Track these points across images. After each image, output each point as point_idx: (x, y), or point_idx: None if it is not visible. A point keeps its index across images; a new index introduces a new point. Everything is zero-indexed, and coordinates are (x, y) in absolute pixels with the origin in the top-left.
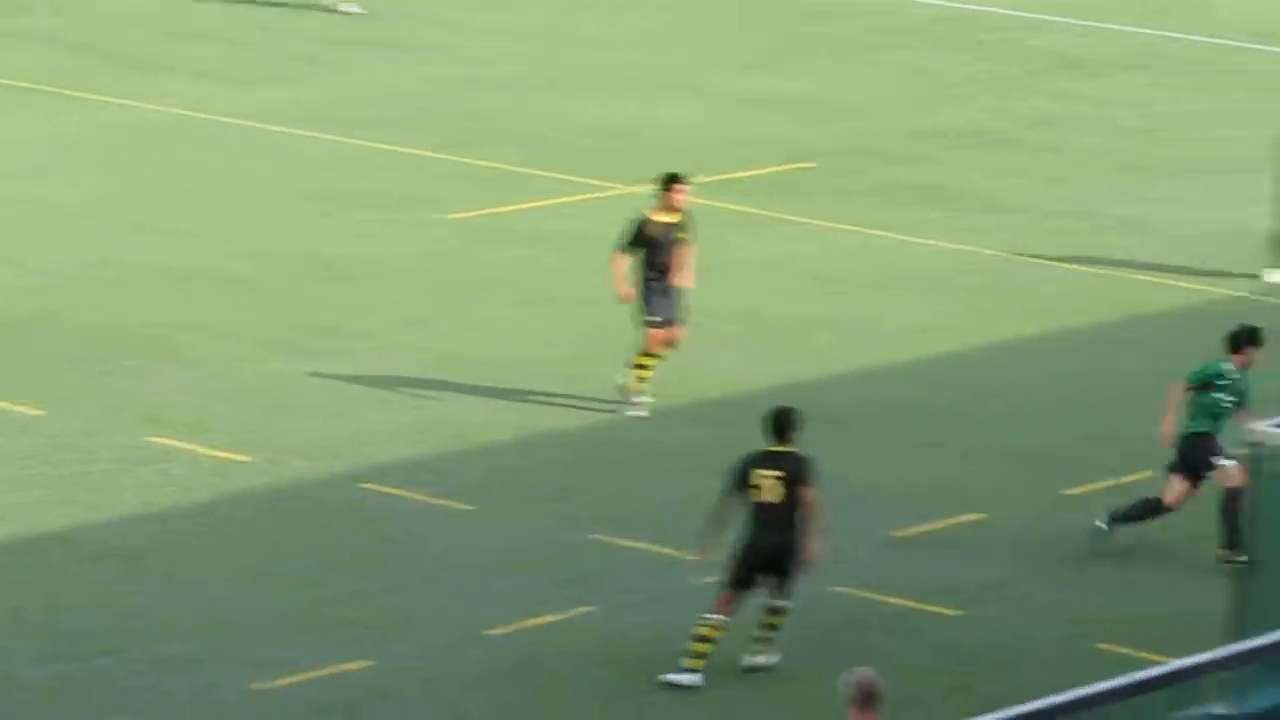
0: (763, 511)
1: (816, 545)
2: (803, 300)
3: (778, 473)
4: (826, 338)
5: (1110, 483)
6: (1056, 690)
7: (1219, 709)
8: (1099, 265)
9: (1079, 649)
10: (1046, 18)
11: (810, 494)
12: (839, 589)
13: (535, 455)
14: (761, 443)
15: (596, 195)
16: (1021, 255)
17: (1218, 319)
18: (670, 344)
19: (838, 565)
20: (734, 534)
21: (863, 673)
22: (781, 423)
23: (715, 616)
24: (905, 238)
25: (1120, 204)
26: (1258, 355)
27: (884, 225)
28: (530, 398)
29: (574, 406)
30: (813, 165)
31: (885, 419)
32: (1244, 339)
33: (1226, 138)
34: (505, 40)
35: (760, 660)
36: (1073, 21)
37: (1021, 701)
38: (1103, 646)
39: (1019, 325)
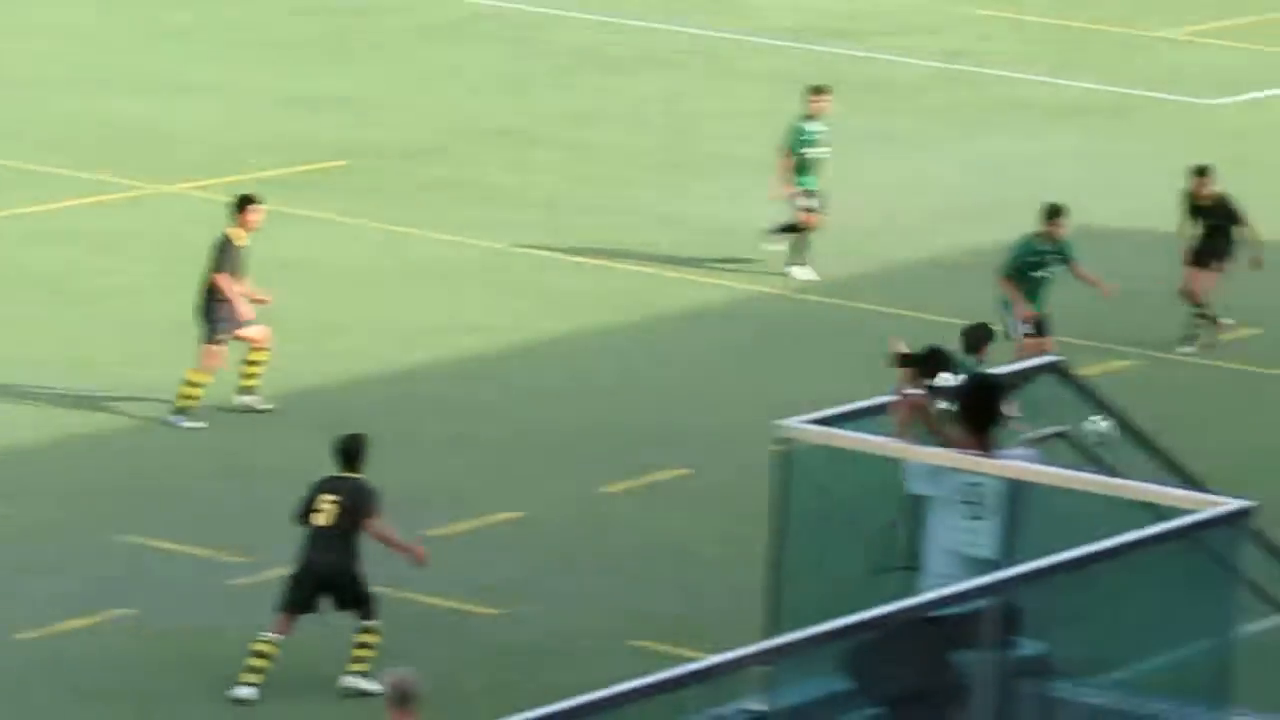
0: (319, 534)
1: (417, 551)
2: (329, 300)
3: (336, 497)
4: (354, 338)
5: (646, 479)
6: (594, 688)
7: (753, 705)
8: (630, 262)
9: (617, 646)
10: (576, 14)
11: (372, 525)
12: (376, 590)
13: (68, 456)
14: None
15: (125, 195)
16: (553, 252)
17: (748, 316)
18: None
19: (374, 566)
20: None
21: (399, 674)
22: (347, 449)
23: (271, 635)
24: (437, 235)
25: (650, 201)
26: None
27: (416, 223)
28: (58, 398)
29: (104, 408)
30: (344, 163)
31: (416, 418)
32: (981, 336)
33: (752, 135)
34: (28, 39)
35: (351, 681)
36: (603, 18)
37: (560, 699)
38: (640, 643)
39: (551, 322)
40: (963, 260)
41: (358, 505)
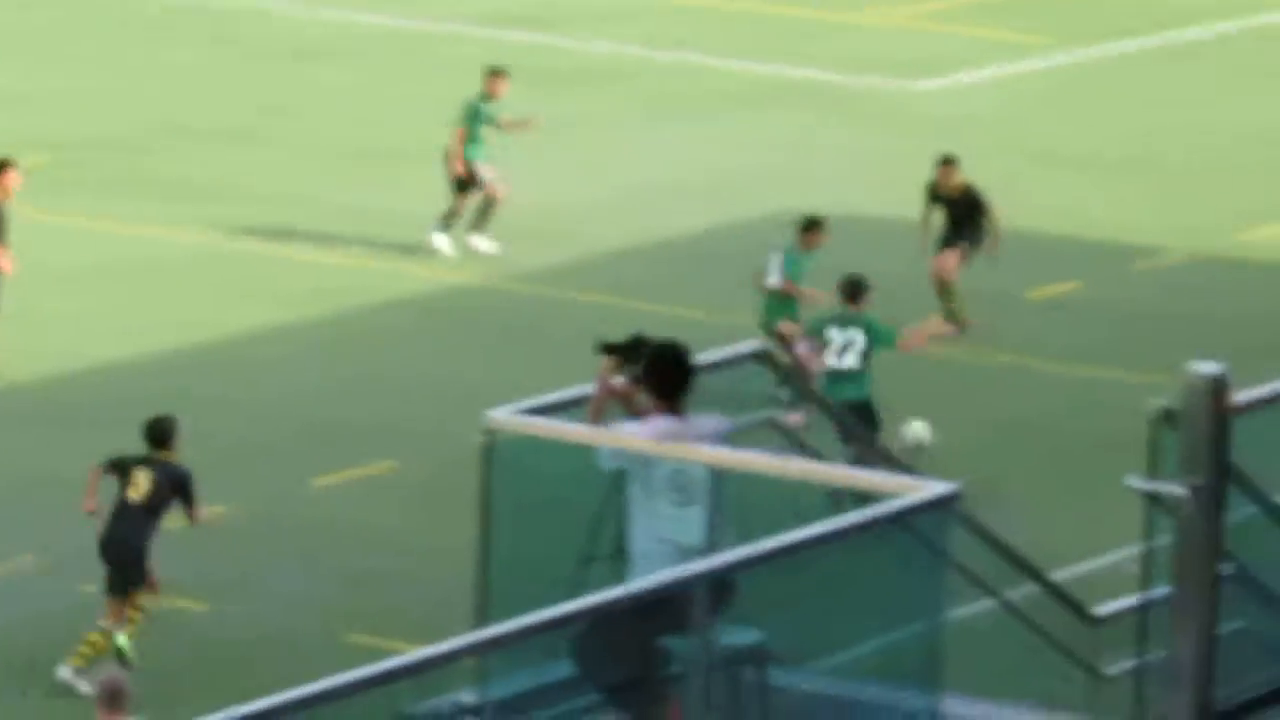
0: (125, 508)
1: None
2: (33, 296)
3: (152, 474)
4: (60, 334)
5: (354, 473)
6: (306, 683)
7: (465, 697)
8: (332, 254)
9: (328, 641)
10: (276, 6)
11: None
12: (79, 589)
13: None
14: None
15: None
16: (256, 246)
17: (451, 307)
18: None
19: (82, 565)
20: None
21: (108, 673)
22: (157, 432)
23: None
24: (148, 231)
25: (354, 192)
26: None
27: (127, 218)
28: None
29: None
30: (46, 159)
31: (123, 414)
32: (856, 287)
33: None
34: None
35: (68, 675)
36: (297, 10)
37: (271, 695)
38: (353, 638)
39: (265, 314)
40: (661, 247)
41: (174, 489)
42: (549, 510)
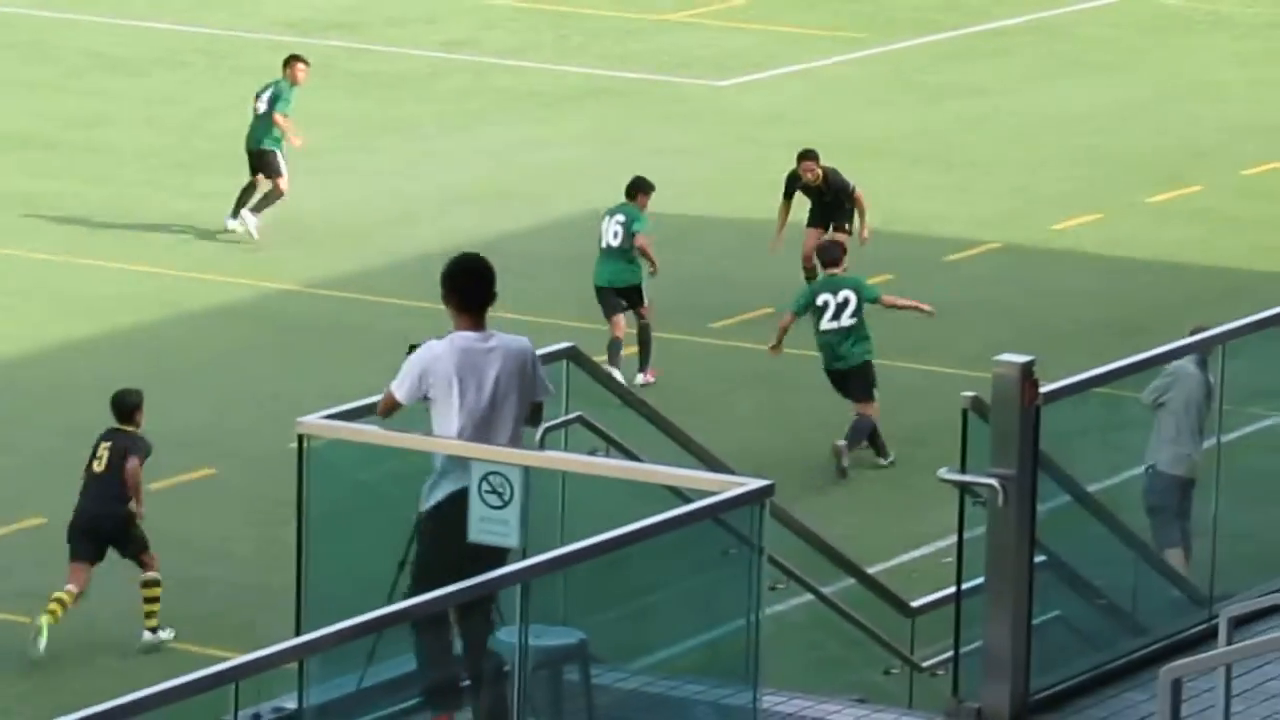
0: (93, 481)
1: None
2: None
3: (111, 444)
4: None
5: (174, 480)
6: (129, 690)
7: (285, 703)
8: (147, 263)
9: (151, 647)
10: (79, 17)
11: (129, 465)
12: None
13: None
14: None
15: None
16: (72, 256)
17: (266, 313)
18: None
19: None
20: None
21: None
22: (121, 404)
23: (69, 586)
24: None
25: (166, 201)
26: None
27: None
28: None
29: None
30: None
31: None
32: (835, 248)
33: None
34: None
35: (149, 637)
36: (109, 20)
37: (92, 703)
38: (177, 645)
39: (73, 327)
40: (477, 249)
41: (129, 451)
42: (366, 514)
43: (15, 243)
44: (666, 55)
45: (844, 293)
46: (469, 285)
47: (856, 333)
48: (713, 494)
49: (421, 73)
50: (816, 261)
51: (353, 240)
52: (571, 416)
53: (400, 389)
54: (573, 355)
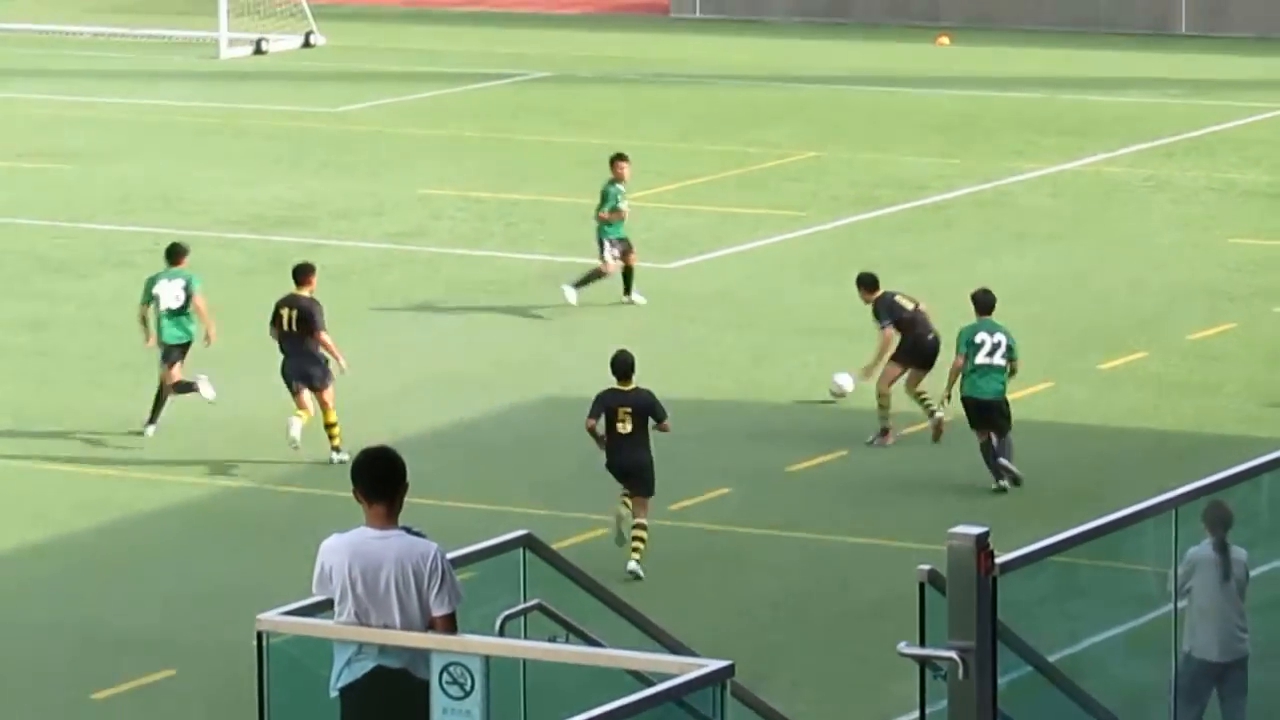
0: (621, 440)
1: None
2: None
3: (629, 409)
4: None
5: (136, 683)
6: None
7: None
8: (92, 466)
9: None
10: (20, 221)
11: (664, 424)
12: None
13: None
14: None
15: None
16: (18, 461)
17: (223, 511)
18: None
19: None
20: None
21: None
22: (623, 364)
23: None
24: None
25: (116, 404)
26: None
27: None
28: None
29: None
30: None
31: None
32: (988, 298)
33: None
34: None
35: (633, 567)
36: (51, 223)
37: None
38: None
39: (23, 532)
40: (426, 437)
41: (650, 413)
42: (329, 710)
43: None
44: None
45: (999, 335)
46: (370, 479)
47: (1001, 373)
48: (674, 676)
49: (371, 264)
50: (974, 304)
51: (305, 435)
52: (530, 604)
53: (313, 581)
54: (529, 542)
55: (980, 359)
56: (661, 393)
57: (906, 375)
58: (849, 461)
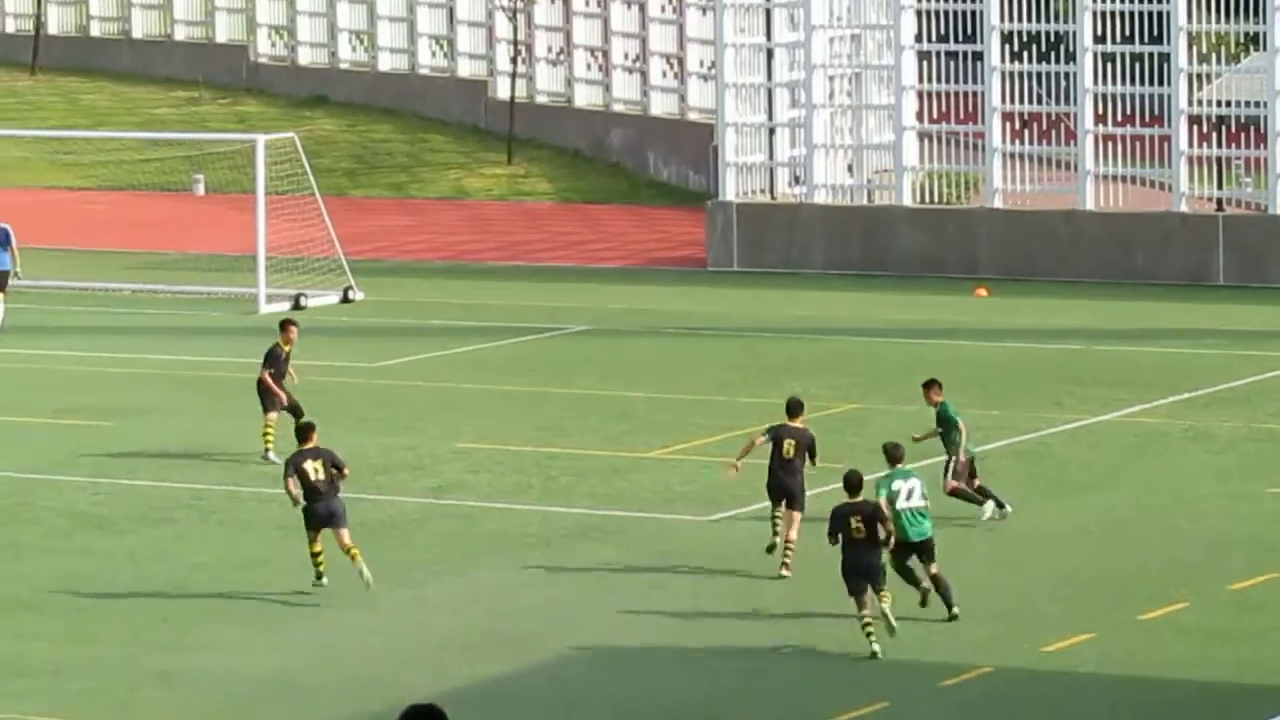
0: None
1: None
2: None
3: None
4: None
5: None
6: None
7: None
8: None
9: None
10: (61, 478)
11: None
12: None
13: None
14: None
15: None
16: (60, 716)
17: None
18: None
19: None
20: None
21: None
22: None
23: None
24: None
25: (156, 658)
26: None
27: None
28: None
29: None
30: None
31: None
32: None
33: (249, 581)
34: None
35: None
36: (88, 479)
37: None
38: None
39: None
40: (465, 691)
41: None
42: None
43: (3, 706)
44: (652, 492)
45: (913, 481)
46: None
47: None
48: None
49: (410, 518)
50: (885, 455)
51: (347, 689)
52: None
53: None
54: None
55: (904, 502)
56: (708, 642)
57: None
58: (886, 715)
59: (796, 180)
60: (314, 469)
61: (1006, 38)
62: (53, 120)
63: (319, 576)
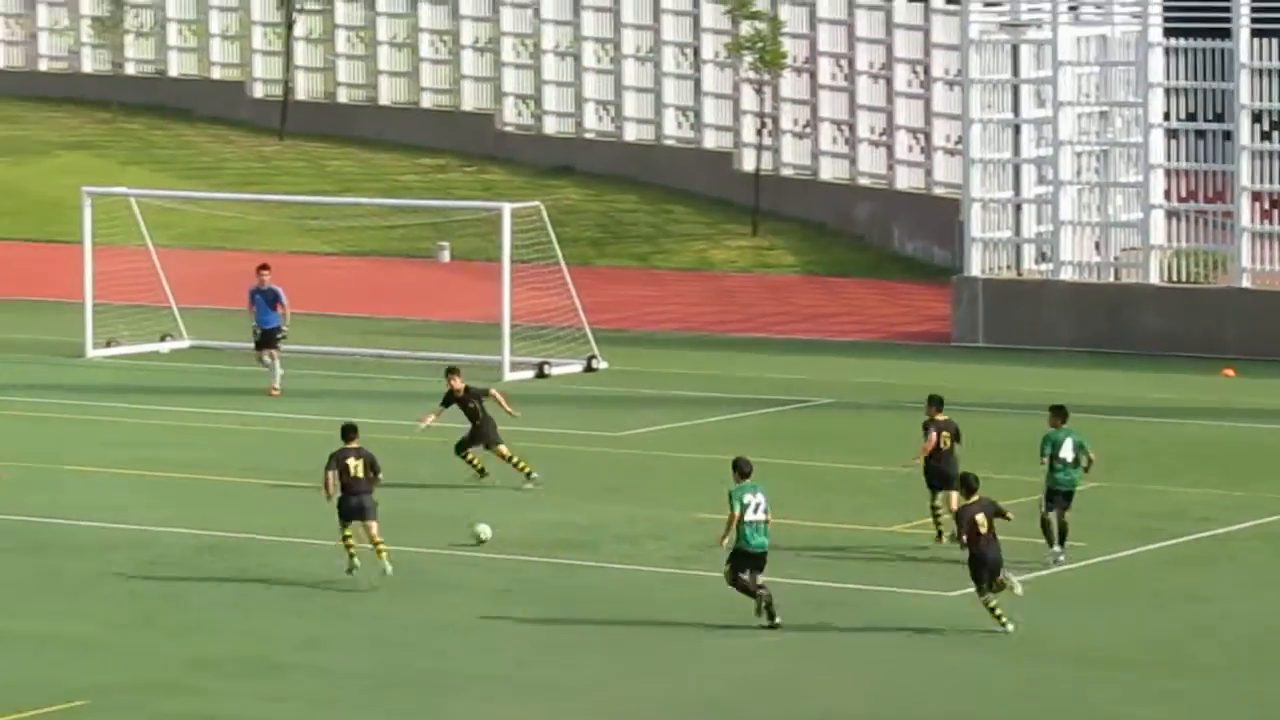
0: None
1: None
2: None
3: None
4: None
5: None
6: None
7: None
8: None
9: None
10: (299, 541)
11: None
12: None
13: None
14: None
15: None
16: None
17: None
18: None
19: None
20: None
21: None
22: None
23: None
24: None
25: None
26: None
27: None
28: None
29: None
30: (86, 703)
31: None
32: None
33: (497, 650)
34: None
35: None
36: (322, 543)
37: None
38: None
39: None
40: None
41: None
42: None
43: None
44: (893, 566)
45: (761, 496)
46: None
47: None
48: None
49: (655, 588)
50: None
51: None
52: None
53: None
54: None
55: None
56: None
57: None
58: None
59: (1043, 257)
60: (354, 466)
61: (1256, 117)
62: (299, 186)
63: (351, 564)
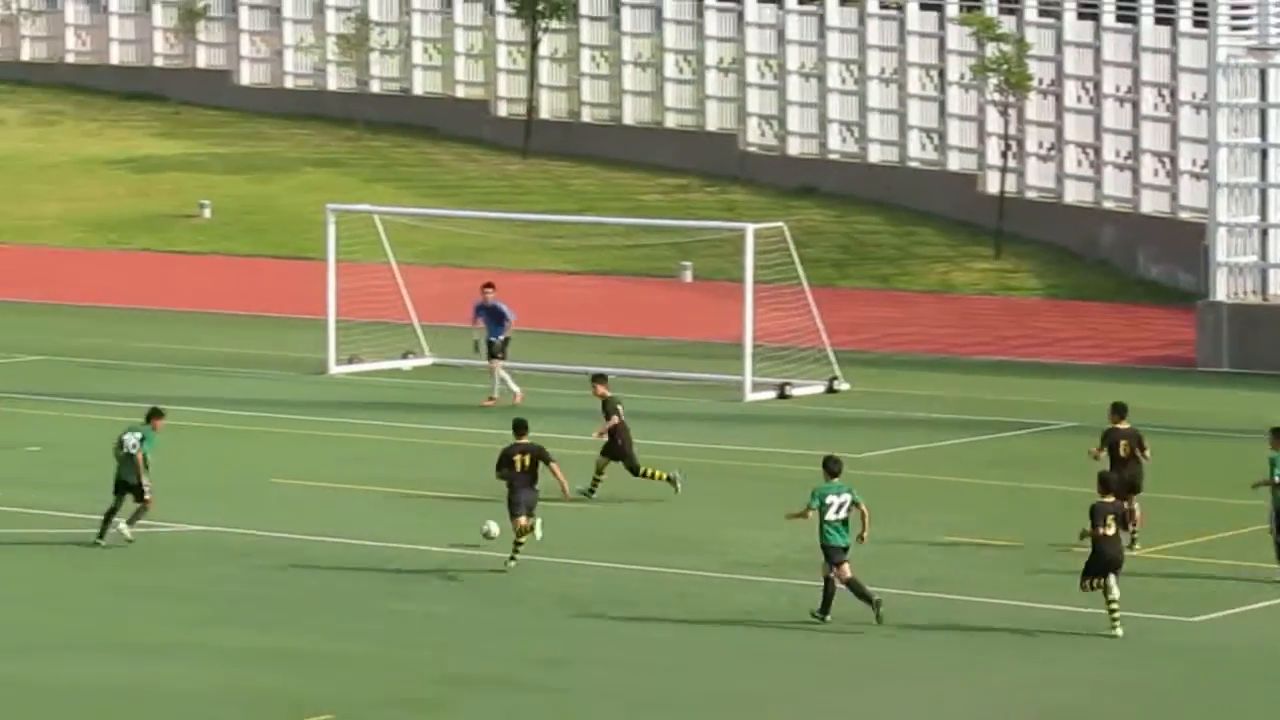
0: None
1: None
2: None
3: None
4: None
5: None
6: None
7: None
8: None
9: None
10: (543, 559)
11: None
12: None
13: None
14: None
15: None
16: None
17: None
18: None
19: None
20: None
21: None
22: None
23: None
24: None
25: None
26: None
27: None
28: None
29: None
30: (330, 717)
31: None
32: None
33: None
34: None
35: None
36: (572, 562)
37: None
38: None
39: None
40: None
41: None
42: None
43: None
44: (1135, 592)
45: (845, 495)
46: None
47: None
48: None
49: (895, 610)
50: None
51: None
52: None
53: None
54: None
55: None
56: None
57: None
58: None
59: None
60: (520, 461)
61: None
62: (541, 204)
63: (514, 555)
